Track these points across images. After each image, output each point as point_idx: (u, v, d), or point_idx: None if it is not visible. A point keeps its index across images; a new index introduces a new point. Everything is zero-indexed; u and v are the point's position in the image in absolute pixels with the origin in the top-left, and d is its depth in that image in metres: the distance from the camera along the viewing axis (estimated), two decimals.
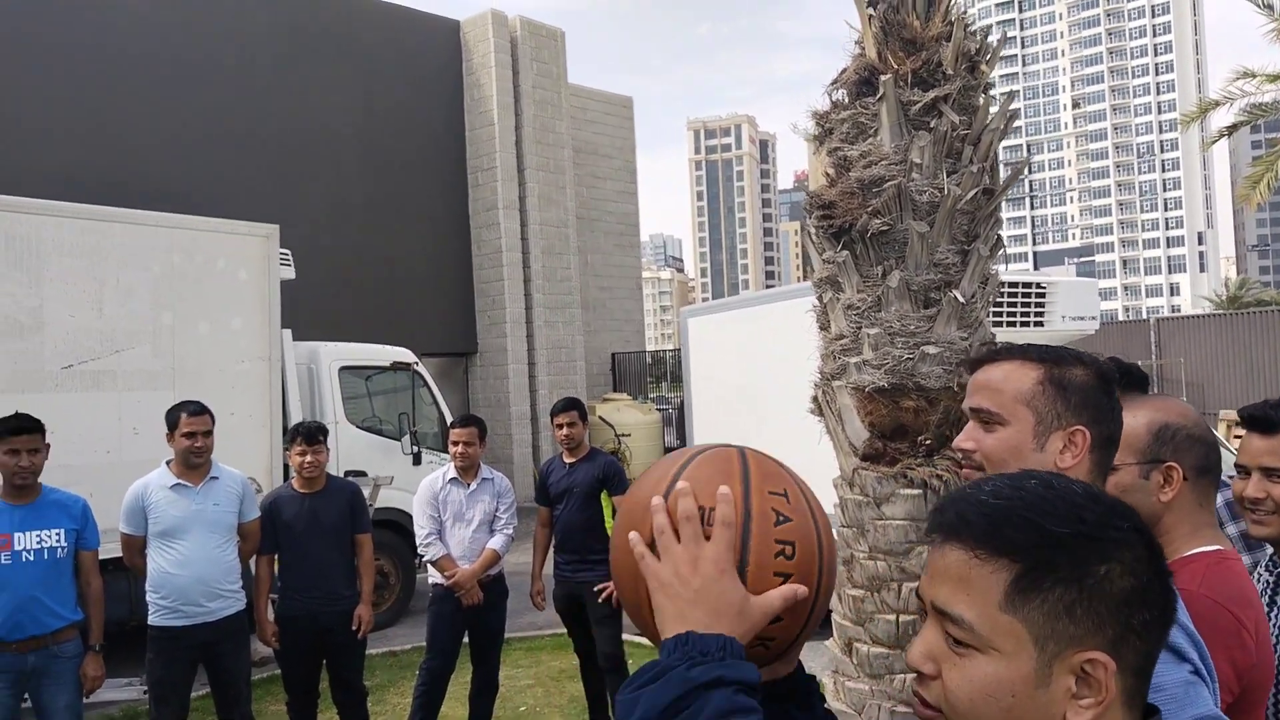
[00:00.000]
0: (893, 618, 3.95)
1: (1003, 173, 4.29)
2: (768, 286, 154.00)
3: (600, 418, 16.21)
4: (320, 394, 8.66)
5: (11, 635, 3.97)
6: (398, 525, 8.69)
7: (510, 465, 16.42)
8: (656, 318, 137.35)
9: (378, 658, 7.16)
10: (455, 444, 5.35)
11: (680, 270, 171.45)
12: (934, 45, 3.94)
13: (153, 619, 4.46)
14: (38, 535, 4.05)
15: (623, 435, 17.89)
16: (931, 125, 3.92)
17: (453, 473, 5.35)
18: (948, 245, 3.96)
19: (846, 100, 4.15)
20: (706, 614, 0.96)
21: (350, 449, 8.59)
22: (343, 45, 15.65)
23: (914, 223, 3.90)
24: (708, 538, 0.99)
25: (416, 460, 9.14)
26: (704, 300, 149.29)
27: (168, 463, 4.59)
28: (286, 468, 7.77)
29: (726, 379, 9.59)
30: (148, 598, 4.47)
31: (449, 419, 9.70)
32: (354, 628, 4.90)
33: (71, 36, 12.61)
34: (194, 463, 4.52)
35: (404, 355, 9.57)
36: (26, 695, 4.12)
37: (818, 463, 5.49)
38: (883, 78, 3.94)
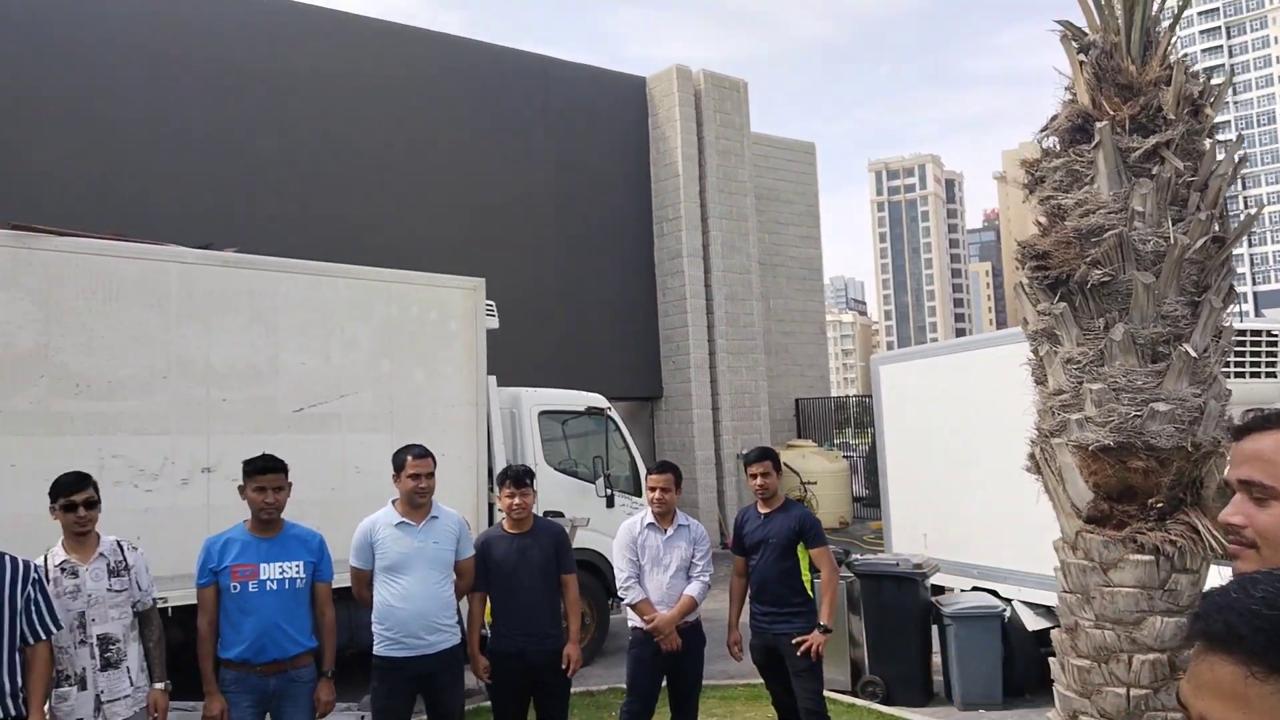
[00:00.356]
0: (1123, 691, 3.69)
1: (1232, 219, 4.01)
2: (958, 329, 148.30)
3: (785, 465, 16.02)
4: (521, 437, 9.03)
5: (257, 658, 4.33)
6: (593, 566, 8.89)
7: (696, 510, 16.47)
8: (839, 361, 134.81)
9: (575, 697, 7.24)
10: (652, 490, 5.43)
11: (863, 313, 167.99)
12: (1152, 90, 3.75)
13: (377, 649, 4.72)
14: (280, 566, 4.42)
15: (808, 483, 17.61)
16: (1153, 172, 3.72)
17: (650, 518, 5.43)
18: (1176, 297, 3.73)
19: (1058, 147, 4.00)
20: None
21: (548, 491, 8.87)
22: (537, 107, 16.49)
23: (1138, 273, 3.70)
24: None
25: (610, 503, 9.33)
26: (889, 344, 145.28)
27: (393, 502, 4.87)
28: (491, 507, 8.16)
29: (922, 428, 9.29)
30: (373, 629, 4.75)
31: (640, 463, 9.89)
32: (563, 666, 5.03)
33: (299, 108, 13.89)
34: (418, 503, 4.78)
35: (598, 401, 9.84)
36: (268, 715, 4.46)
37: (1031, 522, 5.25)
38: (1098, 124, 3.77)
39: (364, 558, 4.78)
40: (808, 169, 21.47)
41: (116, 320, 6.38)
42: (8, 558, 3.82)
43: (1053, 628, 4.94)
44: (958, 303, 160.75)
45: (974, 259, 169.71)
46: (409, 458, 4.78)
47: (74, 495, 4.09)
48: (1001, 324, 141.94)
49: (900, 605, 7.50)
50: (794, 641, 5.20)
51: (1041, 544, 4.44)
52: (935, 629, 7.65)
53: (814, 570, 5.41)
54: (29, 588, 3.78)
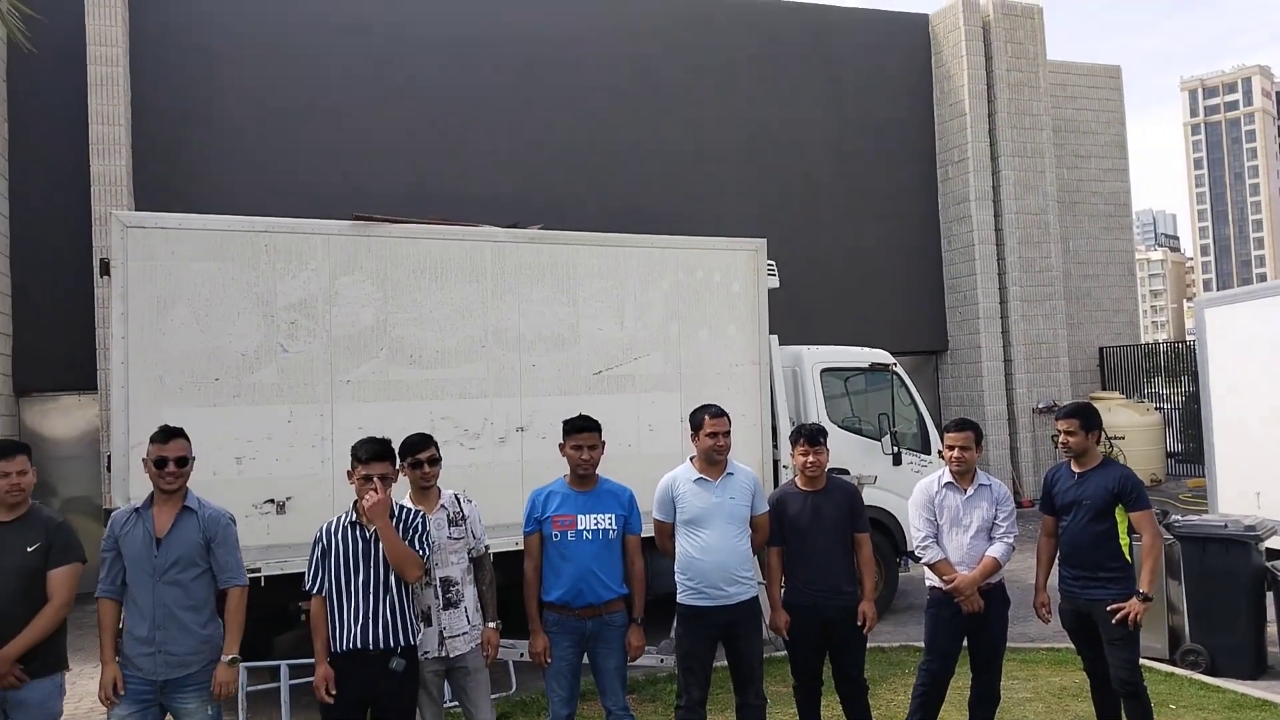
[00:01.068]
0: None
1: None
2: None
3: None
4: (804, 395, 9.04)
5: (575, 601, 4.69)
6: (881, 524, 8.79)
7: (987, 467, 15.69)
8: (1148, 304, 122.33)
9: (868, 653, 7.27)
10: (950, 448, 5.27)
11: (1175, 250, 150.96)
12: None
13: (681, 598, 4.95)
14: (595, 518, 4.75)
15: (1115, 438, 16.26)
16: None
17: (948, 477, 5.28)
18: None
19: None
20: None
21: (832, 448, 8.77)
22: (815, 54, 16.20)
23: None
24: None
25: (896, 460, 9.16)
26: (1205, 283, 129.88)
27: (691, 459, 5.08)
28: (776, 464, 8.27)
29: (1258, 377, 8.30)
30: (676, 579, 4.99)
31: (928, 419, 9.60)
32: (859, 623, 5.05)
33: (584, 86, 14.55)
34: (715, 459, 4.94)
35: (882, 356, 9.63)
36: (585, 656, 4.83)
37: None
38: None
39: (666, 511, 5.01)
40: (1112, 95, 19.53)
41: (442, 296, 7.08)
42: (404, 509, 4.45)
43: None
44: None
45: None
46: (706, 417, 4.94)
47: (419, 454, 4.61)
48: None
49: (1229, 570, 6.84)
50: (1109, 609, 4.90)
51: None
52: (1270, 596, 6.91)
53: (1133, 533, 5.05)
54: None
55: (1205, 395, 9.15)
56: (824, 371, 9.24)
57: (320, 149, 13.14)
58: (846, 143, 16.26)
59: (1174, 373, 19.03)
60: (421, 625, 4.49)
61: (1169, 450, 18.16)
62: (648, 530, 5.09)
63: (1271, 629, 7.05)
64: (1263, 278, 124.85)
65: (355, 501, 4.36)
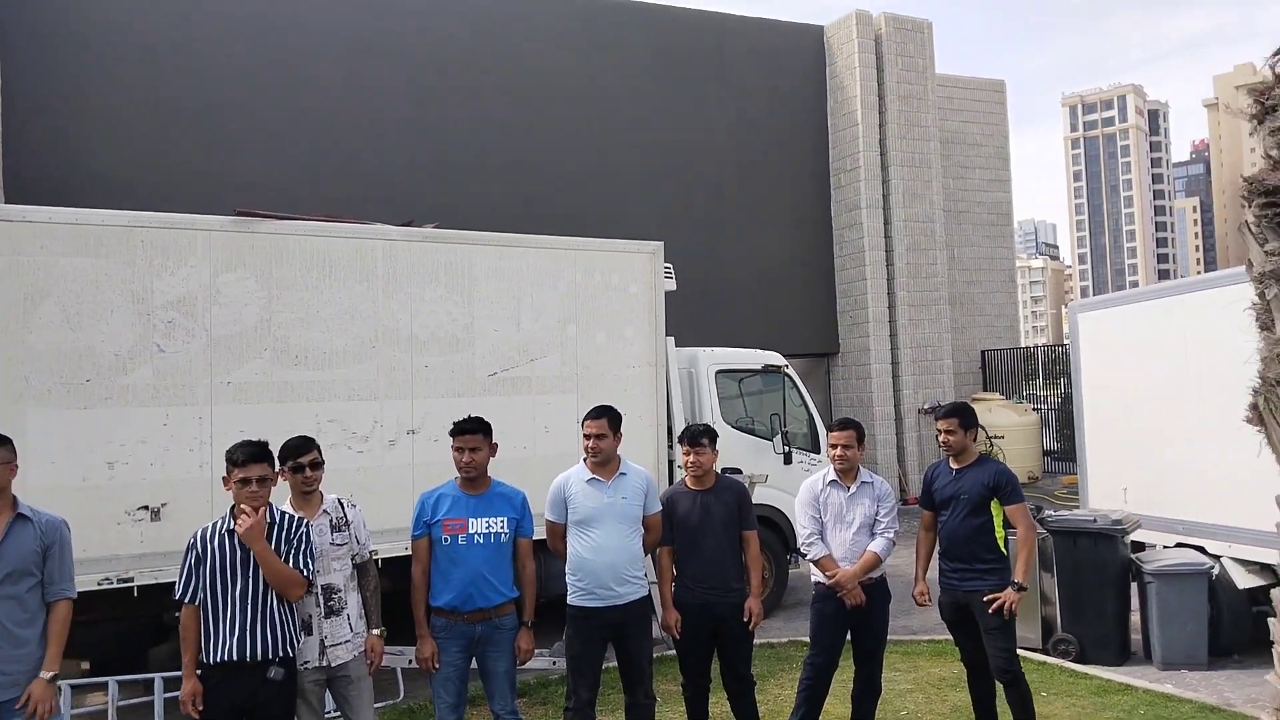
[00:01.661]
0: None
1: None
2: (1160, 272, 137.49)
3: None
4: (699, 396, 9.15)
5: (464, 606, 4.64)
6: (771, 522, 8.96)
7: (875, 466, 16.20)
8: (1029, 310, 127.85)
9: (756, 649, 7.33)
10: (834, 447, 5.42)
11: (1055, 258, 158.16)
12: None
13: (571, 599, 4.95)
14: (486, 521, 4.70)
15: (995, 438, 16.96)
16: None
17: (832, 475, 5.42)
18: None
19: None
20: None
21: (726, 448, 8.91)
22: (713, 63, 16.42)
23: None
24: None
25: (787, 460, 9.35)
26: (1083, 289, 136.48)
27: (584, 459, 5.07)
28: (672, 464, 8.35)
29: (1124, 379, 8.76)
30: (567, 579, 4.98)
31: (818, 420, 9.83)
32: (745, 619, 5.14)
33: (485, 86, 14.42)
34: (593, 460, 4.96)
35: (774, 358, 9.82)
36: (473, 660, 4.78)
37: (1246, 475, 4.88)
38: None
39: (558, 512, 5.00)
40: (996, 109, 20.38)
41: (330, 295, 6.90)
42: (284, 514, 4.31)
43: (1270, 586, 4.60)
44: (1161, 243, 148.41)
45: (1180, 195, 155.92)
46: (586, 420, 5.00)
47: (300, 458, 4.48)
48: (1210, 265, 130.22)
49: (1097, 562, 7.22)
50: (985, 599, 5.10)
51: (1259, 498, 4.14)
52: (1134, 587, 7.32)
53: (1008, 526, 5.27)
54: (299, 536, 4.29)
55: (1077, 396, 9.61)
56: (719, 373, 9.37)
57: (206, 144, 12.68)
58: (744, 149, 16.54)
59: (1051, 375, 19.95)
60: (302, 634, 4.37)
61: (1046, 449, 19.02)
62: (541, 533, 5.08)
63: (1135, 617, 7.45)
64: (1135, 285, 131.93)
65: (231, 507, 4.22)
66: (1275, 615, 3.84)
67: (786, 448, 9.37)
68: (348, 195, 12.78)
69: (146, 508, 6.25)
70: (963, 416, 5.41)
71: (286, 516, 4.31)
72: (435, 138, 14.04)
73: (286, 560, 4.19)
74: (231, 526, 4.17)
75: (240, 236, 6.67)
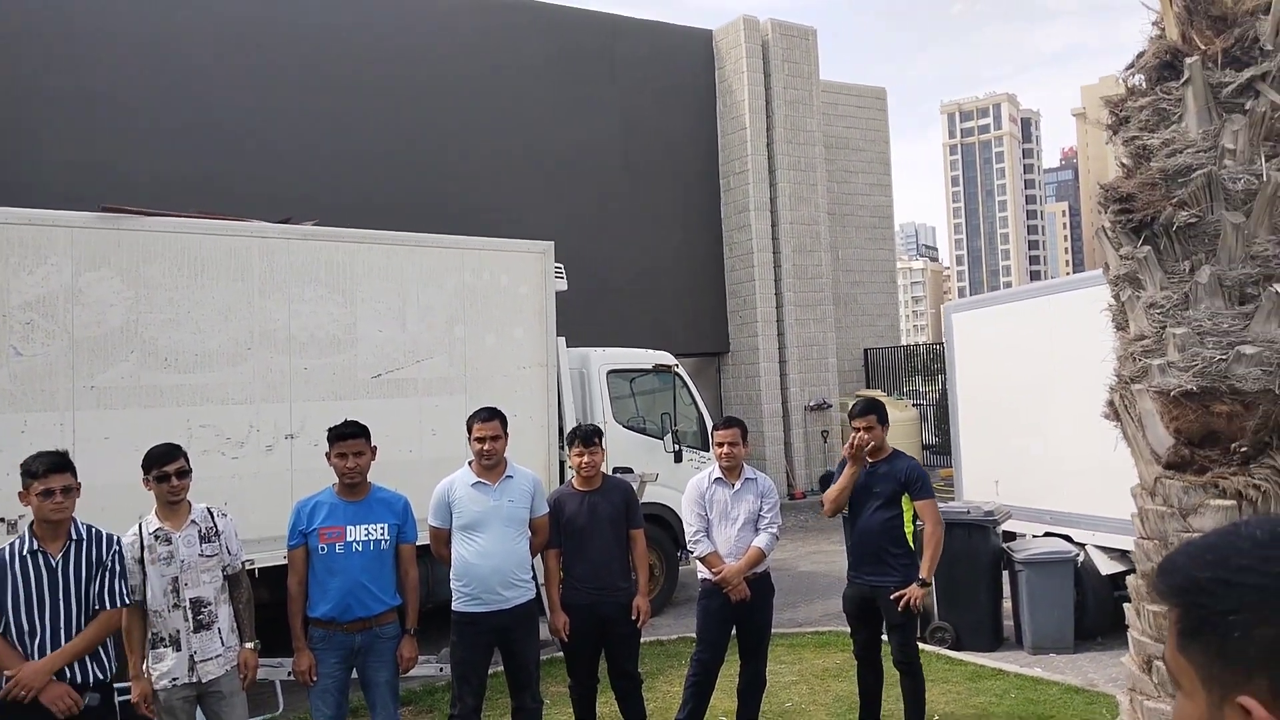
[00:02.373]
0: None
1: None
2: (1032, 273, 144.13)
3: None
4: (591, 396, 9.14)
5: (343, 616, 4.51)
6: (662, 520, 9.02)
7: (764, 463, 16.49)
8: (910, 309, 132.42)
9: (645, 646, 7.43)
10: (720, 445, 5.47)
11: (934, 260, 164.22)
12: (1248, 19, 3.57)
13: (456, 605, 4.87)
14: (366, 529, 4.57)
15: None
16: (1246, 107, 3.56)
17: (718, 473, 5.47)
18: (1267, 236, 3.58)
19: (1145, 85, 3.85)
20: None
21: (617, 448, 9.00)
22: (604, 66, 16.42)
23: (1227, 213, 3.56)
24: None
25: (678, 458, 9.43)
26: (961, 290, 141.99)
27: (470, 462, 5.01)
28: (562, 465, 8.31)
29: (995, 376, 9.14)
30: (452, 585, 4.90)
31: (707, 418, 9.95)
32: (632, 618, 5.15)
33: (373, 81, 14.06)
34: (487, 464, 4.90)
35: (665, 358, 9.89)
36: (354, 670, 4.65)
37: (1107, 468, 5.15)
38: (1188, 60, 3.62)
39: (442, 517, 4.92)
40: (878, 115, 21.01)
41: (202, 295, 6.61)
42: (93, 530, 4.06)
43: (1128, 572, 4.87)
44: (1033, 245, 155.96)
45: (1050, 200, 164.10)
46: (475, 422, 4.92)
47: (166, 466, 4.26)
48: (1078, 266, 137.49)
49: (971, 552, 7.49)
50: (892, 596, 5.23)
51: (1118, 489, 4.37)
52: (1006, 575, 7.64)
53: (917, 521, 5.39)
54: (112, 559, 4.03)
55: (952, 392, 9.99)
56: (610, 373, 9.38)
57: (74, 135, 11.97)
58: (635, 150, 16.61)
59: (931, 372, 20.67)
60: (170, 650, 4.18)
61: (925, 443, 19.69)
62: (426, 538, 4.97)
63: (1007, 604, 7.78)
64: (1009, 285, 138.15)
65: (31, 524, 3.96)
66: (1132, 601, 4.05)
67: (677, 446, 9.44)
68: (225, 191, 12.26)
69: (3, 520, 5.86)
70: (879, 412, 5.48)
71: (95, 534, 4.05)
72: (318, 133, 13.63)
73: (95, 582, 3.95)
74: (36, 547, 3.91)
75: (105, 234, 6.32)
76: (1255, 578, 0.87)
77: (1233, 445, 3.68)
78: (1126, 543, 7.20)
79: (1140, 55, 3.85)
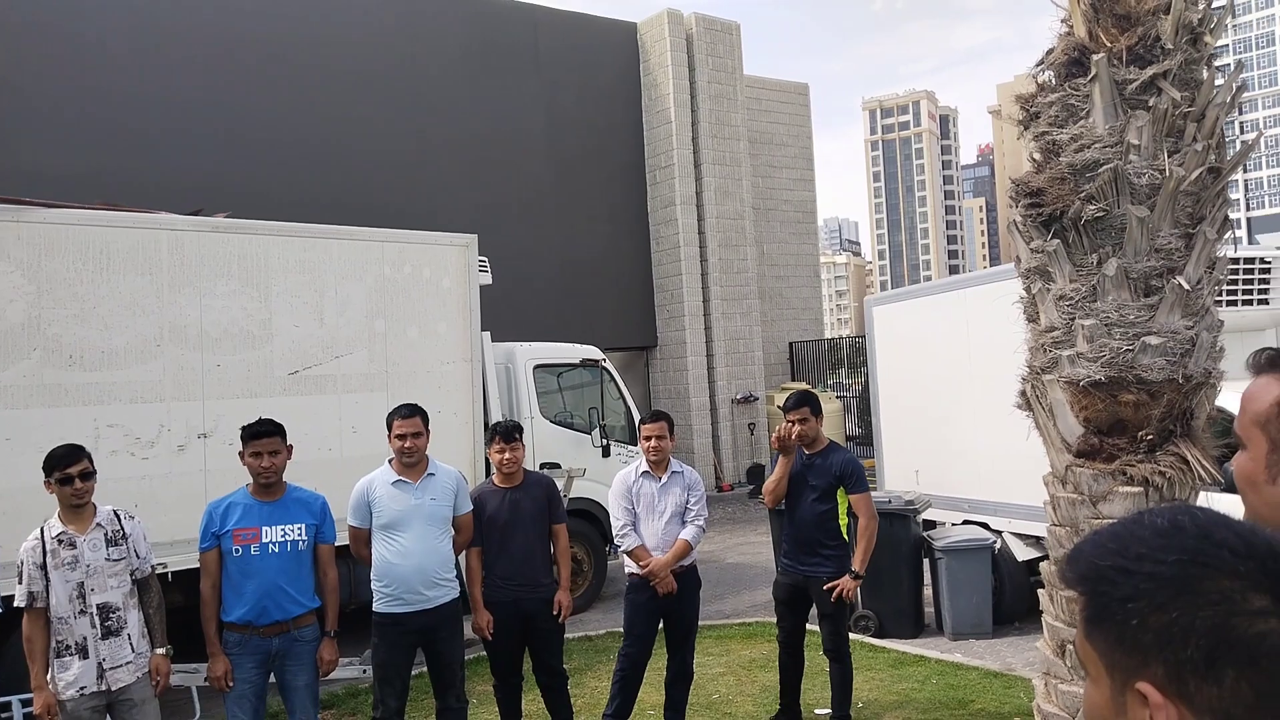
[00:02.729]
0: None
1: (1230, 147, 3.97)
2: (951, 267, 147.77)
3: (779, 407, 16.11)
4: (517, 391, 9.06)
5: (259, 620, 4.38)
6: (590, 515, 8.99)
7: (691, 455, 16.59)
8: (833, 303, 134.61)
9: (573, 642, 7.42)
10: (647, 439, 5.46)
11: (857, 254, 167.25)
12: (1150, 19, 3.69)
13: (377, 606, 4.77)
14: (282, 529, 4.45)
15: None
16: (1150, 104, 3.68)
17: (645, 466, 5.47)
18: (1170, 229, 3.71)
19: (1054, 82, 3.94)
20: None
21: (544, 442, 8.96)
22: (527, 56, 16.26)
23: (1132, 207, 3.68)
24: None
25: (606, 452, 9.41)
26: (882, 284, 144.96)
27: (390, 461, 4.91)
28: (488, 462, 8.21)
29: (915, 368, 9.32)
30: (373, 586, 4.80)
31: (635, 412, 9.94)
32: (555, 613, 5.11)
33: (289, 69, 13.69)
34: (407, 462, 4.81)
35: (592, 353, 9.86)
36: (272, 674, 4.53)
37: (1021, 456, 5.29)
38: (1095, 57, 3.72)
39: (361, 516, 4.82)
40: (801, 111, 21.24)
41: (109, 290, 6.35)
42: None
43: (1042, 558, 5.01)
44: (951, 239, 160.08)
45: (968, 195, 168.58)
46: (396, 419, 4.82)
47: (69, 468, 4.09)
48: (995, 260, 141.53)
49: (892, 541, 7.62)
50: (825, 587, 5.28)
51: (1032, 477, 4.48)
52: (927, 563, 7.80)
53: (851, 514, 5.46)
54: None
55: (873, 384, 10.17)
56: (536, 368, 9.30)
57: None
58: (561, 143, 16.50)
59: (854, 364, 21.02)
60: (74, 658, 4.01)
61: (848, 434, 20.03)
62: (344, 538, 4.86)
63: (928, 591, 7.95)
64: (929, 279, 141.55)
65: None
66: (1045, 587, 4.16)
67: (605, 441, 9.42)
68: (134, 182, 11.82)
69: None
70: (812, 404, 5.52)
71: None
72: (230, 124, 13.21)
73: None
74: None
75: (4, 226, 6.03)
76: (1151, 566, 0.87)
77: (1139, 433, 3.80)
78: (1040, 529, 7.41)
79: (1050, 52, 3.94)
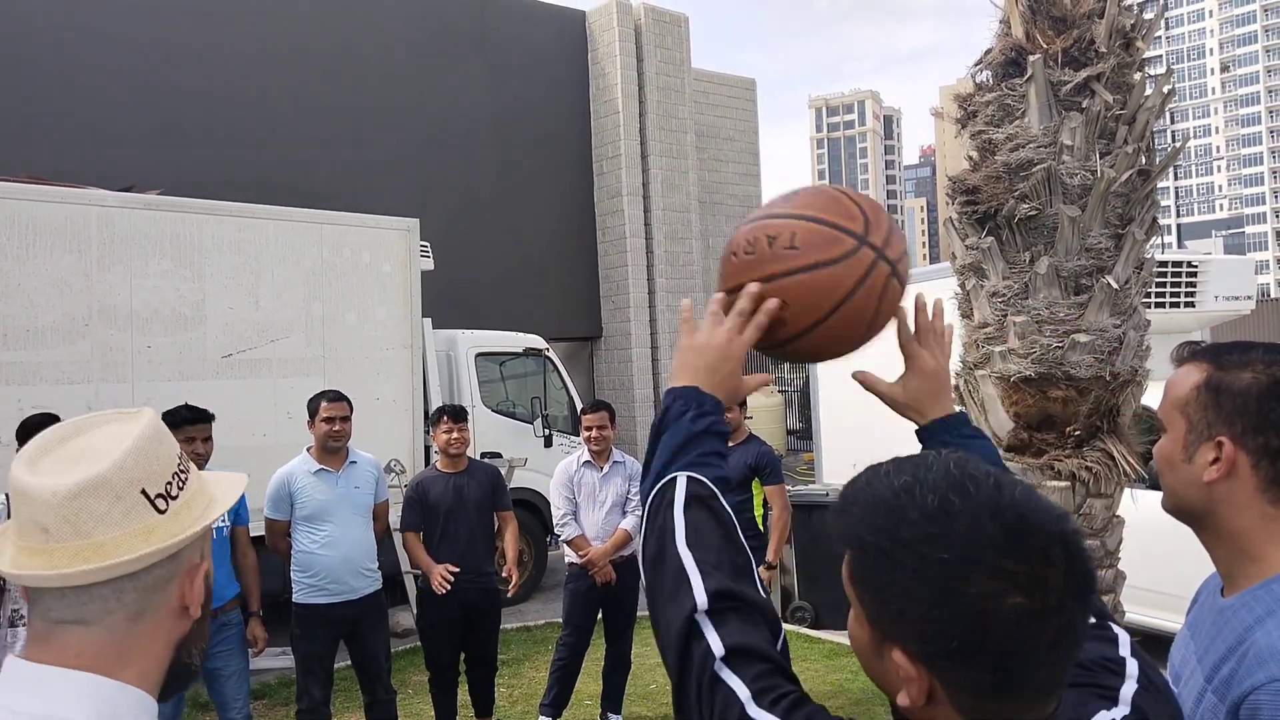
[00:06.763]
0: None
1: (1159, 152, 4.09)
2: None
3: None
4: (458, 379, 8.98)
5: None
6: (532, 505, 8.95)
7: (635, 447, 16.61)
8: None
9: (512, 632, 7.40)
10: (588, 429, 5.47)
11: None
12: (1085, 22, 3.79)
13: (299, 597, 4.69)
14: None
15: (746, 418, 17.84)
16: (1083, 106, 3.77)
17: (586, 456, 5.47)
18: (1100, 229, 3.81)
19: (991, 82, 4.03)
20: (708, 377, 1.31)
21: (486, 432, 8.88)
22: (474, 41, 16.07)
23: (1064, 207, 3.77)
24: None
25: (548, 443, 9.37)
26: None
27: (308, 449, 4.83)
28: (428, 449, 8.13)
29: (854, 363, 9.44)
30: (293, 577, 4.72)
31: (578, 403, 9.92)
32: (501, 588, 5.14)
33: (228, 45, 13.36)
34: (332, 447, 4.73)
35: (535, 341, 9.80)
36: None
37: None
38: (1031, 58, 3.80)
39: (281, 508, 4.75)
40: (748, 106, 21.34)
41: (34, 267, 6.14)
42: None
43: None
44: None
45: (910, 195, 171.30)
46: (323, 402, 4.76)
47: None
48: (935, 259, 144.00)
49: (829, 534, 7.70)
50: None
51: None
52: None
53: (766, 505, 5.50)
54: None
55: (814, 379, 10.30)
56: (478, 356, 9.23)
57: None
58: (506, 130, 16.35)
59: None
60: None
61: (789, 428, 20.26)
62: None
63: None
64: None
65: None
66: None
67: (547, 430, 9.38)
68: (61, 157, 11.43)
69: None
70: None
71: None
72: (166, 97, 12.83)
73: None
74: None
75: None
76: (914, 560, 0.88)
77: (1068, 429, 3.90)
78: None
79: (988, 52, 4.02)
